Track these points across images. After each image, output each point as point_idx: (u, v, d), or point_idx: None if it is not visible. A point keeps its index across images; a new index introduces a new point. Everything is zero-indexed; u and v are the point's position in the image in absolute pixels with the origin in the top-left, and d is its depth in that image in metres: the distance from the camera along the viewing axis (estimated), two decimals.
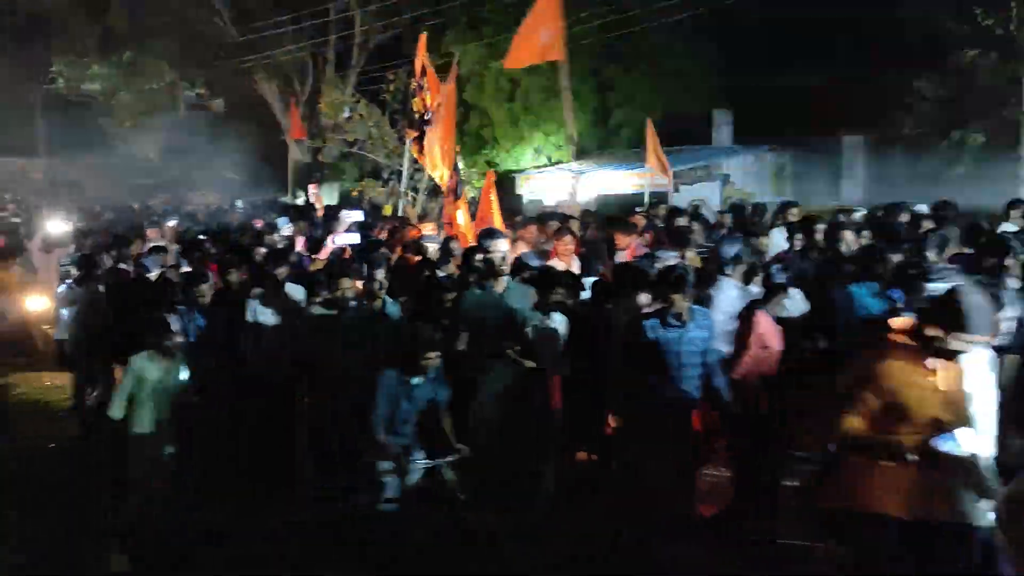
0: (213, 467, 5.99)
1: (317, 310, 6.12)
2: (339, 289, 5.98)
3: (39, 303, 9.60)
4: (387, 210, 15.88)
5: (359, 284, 6.10)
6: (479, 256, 6.38)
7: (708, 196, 16.85)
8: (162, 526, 5.40)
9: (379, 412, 4.99)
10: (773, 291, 5.61)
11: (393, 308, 6.05)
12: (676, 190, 16.46)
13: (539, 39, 9.90)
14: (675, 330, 5.04)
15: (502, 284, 5.86)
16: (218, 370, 6.11)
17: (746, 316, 5.57)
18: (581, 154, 19.68)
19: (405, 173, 10.82)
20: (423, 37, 9.70)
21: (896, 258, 5.80)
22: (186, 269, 7.75)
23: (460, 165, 9.50)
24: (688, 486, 5.28)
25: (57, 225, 12.53)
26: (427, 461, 5.12)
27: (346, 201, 17.80)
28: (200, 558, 5.31)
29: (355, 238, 7.98)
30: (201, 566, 5.27)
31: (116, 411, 5.25)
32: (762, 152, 18.94)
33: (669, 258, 6.39)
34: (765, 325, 5.47)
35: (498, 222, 8.93)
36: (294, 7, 22.24)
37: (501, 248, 5.98)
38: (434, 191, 19.87)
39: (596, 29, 18.71)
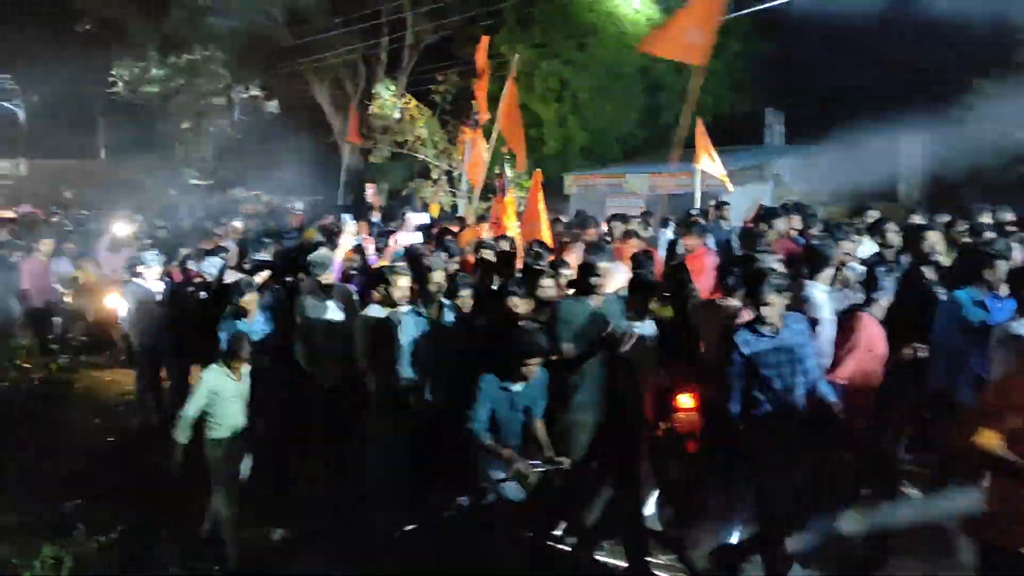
0: (286, 475, 6.06)
1: (376, 312, 5.99)
2: (398, 290, 5.88)
3: (112, 302, 9.73)
4: (434, 210, 15.99)
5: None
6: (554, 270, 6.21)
7: (759, 197, 16.67)
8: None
9: (480, 418, 4.79)
10: (877, 293, 5.29)
11: (449, 313, 5.90)
12: (728, 190, 16.33)
13: (685, 37, 9.34)
14: (767, 339, 4.74)
15: (600, 298, 5.61)
16: (272, 373, 6.14)
17: (850, 319, 5.30)
18: (630, 154, 19.63)
19: (464, 175, 10.73)
20: (485, 40, 9.60)
21: (1003, 265, 5.25)
22: (235, 277, 7.82)
23: (507, 165, 9.47)
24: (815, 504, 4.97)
25: (123, 226, 12.77)
26: (544, 467, 4.82)
27: (404, 201, 17.92)
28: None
29: (418, 237, 7.85)
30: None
31: (188, 417, 5.34)
32: (814, 152, 18.63)
33: (767, 261, 5.92)
34: (872, 328, 5.23)
35: (544, 223, 8.93)
36: (347, 10, 22.52)
37: (607, 268, 5.63)
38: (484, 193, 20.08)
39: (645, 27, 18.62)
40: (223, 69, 23.43)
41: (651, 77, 19.29)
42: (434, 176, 20.52)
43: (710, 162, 12.18)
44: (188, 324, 7.27)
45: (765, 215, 8.48)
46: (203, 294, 7.47)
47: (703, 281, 7.38)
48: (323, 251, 7.22)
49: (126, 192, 29.34)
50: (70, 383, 9.72)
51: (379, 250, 8.37)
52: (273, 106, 24.96)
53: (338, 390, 6.24)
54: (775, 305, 4.66)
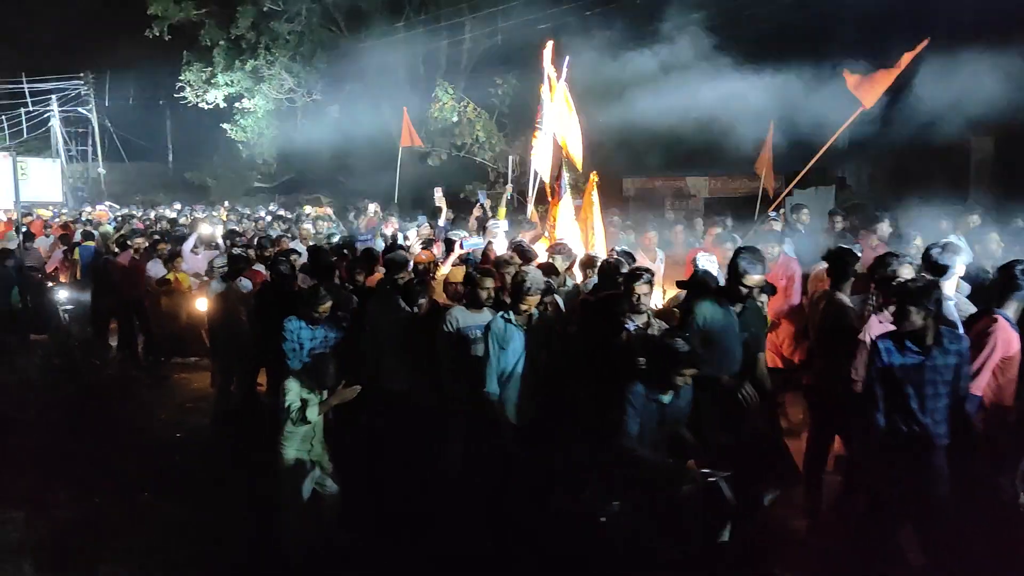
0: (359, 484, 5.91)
1: (462, 315, 5.86)
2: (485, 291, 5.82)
3: (200, 303, 9.94)
4: (501, 214, 16.05)
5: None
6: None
7: (823, 200, 16.38)
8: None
9: (632, 431, 4.64)
10: (1012, 291, 4.84)
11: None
12: (790, 193, 16.07)
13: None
14: (915, 355, 4.37)
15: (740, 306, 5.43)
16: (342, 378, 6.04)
17: (983, 322, 4.82)
18: (689, 157, 19.43)
19: (532, 179, 10.52)
20: (550, 43, 9.64)
21: None
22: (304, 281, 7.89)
23: (563, 167, 9.47)
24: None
25: (207, 227, 13.05)
26: (716, 475, 4.60)
27: (465, 204, 18.04)
28: None
29: (479, 243, 7.73)
30: None
31: (311, 415, 5.19)
32: (880, 154, 18.22)
33: (903, 266, 5.51)
34: (1008, 330, 4.75)
35: (599, 225, 8.93)
36: (407, 15, 22.80)
37: (757, 278, 5.40)
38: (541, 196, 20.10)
39: (707, 27, 18.41)
40: (287, 74, 23.91)
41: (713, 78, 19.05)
42: (491, 178, 20.67)
43: (767, 167, 12.17)
44: (260, 325, 7.36)
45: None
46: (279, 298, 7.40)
47: (791, 289, 7.27)
48: (400, 252, 7.21)
49: (193, 195, 30.29)
50: (155, 382, 10.06)
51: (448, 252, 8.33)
52: (334, 110, 25.33)
53: (407, 395, 6.15)
54: (930, 329, 4.33)
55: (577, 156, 10.30)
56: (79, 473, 6.71)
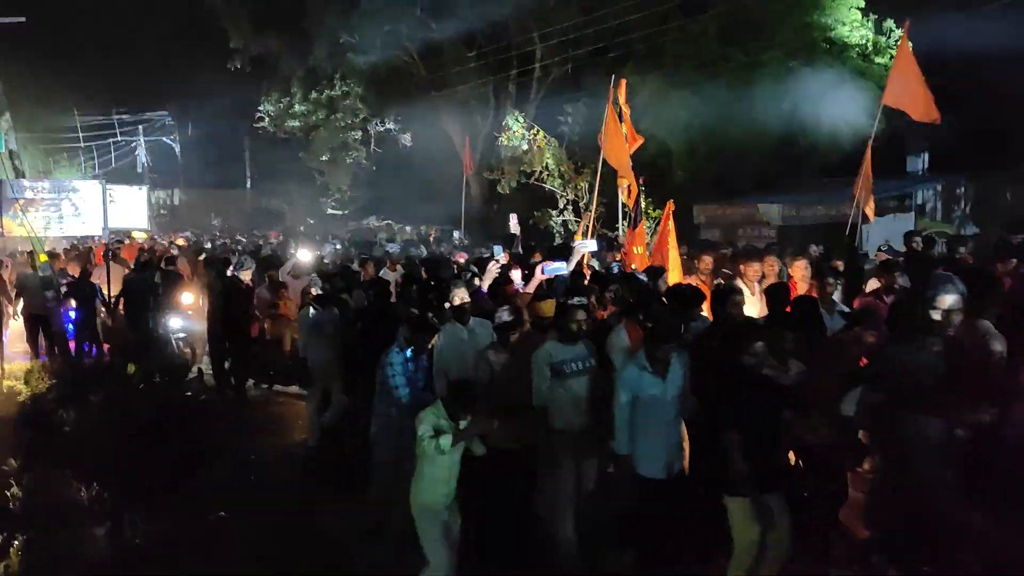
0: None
1: (555, 349, 5.54)
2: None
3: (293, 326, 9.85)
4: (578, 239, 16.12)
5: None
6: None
7: (901, 227, 15.94)
8: None
9: None
10: None
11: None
12: (865, 221, 15.70)
13: (914, 94, 10.04)
14: None
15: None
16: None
17: None
18: (762, 184, 19.17)
19: (621, 205, 10.32)
20: (623, 82, 9.61)
21: None
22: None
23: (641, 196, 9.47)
24: None
25: (305, 252, 13.11)
26: None
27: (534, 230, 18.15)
28: None
29: (562, 267, 7.22)
30: None
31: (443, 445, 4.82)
32: (958, 182, 17.68)
33: None
34: None
35: (674, 253, 8.88)
36: (478, 45, 23.19)
37: (951, 299, 5.04)
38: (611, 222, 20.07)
39: (783, 54, 18.26)
40: (361, 104, 24.53)
41: (784, 106, 18.84)
42: (560, 205, 20.73)
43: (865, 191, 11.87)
44: (356, 351, 7.28)
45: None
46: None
47: None
48: (484, 284, 7.20)
49: (269, 220, 31.24)
50: (250, 406, 10.12)
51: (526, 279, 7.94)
52: (406, 138, 25.90)
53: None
54: None
55: (628, 181, 10.43)
56: (158, 492, 6.86)
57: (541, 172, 21.24)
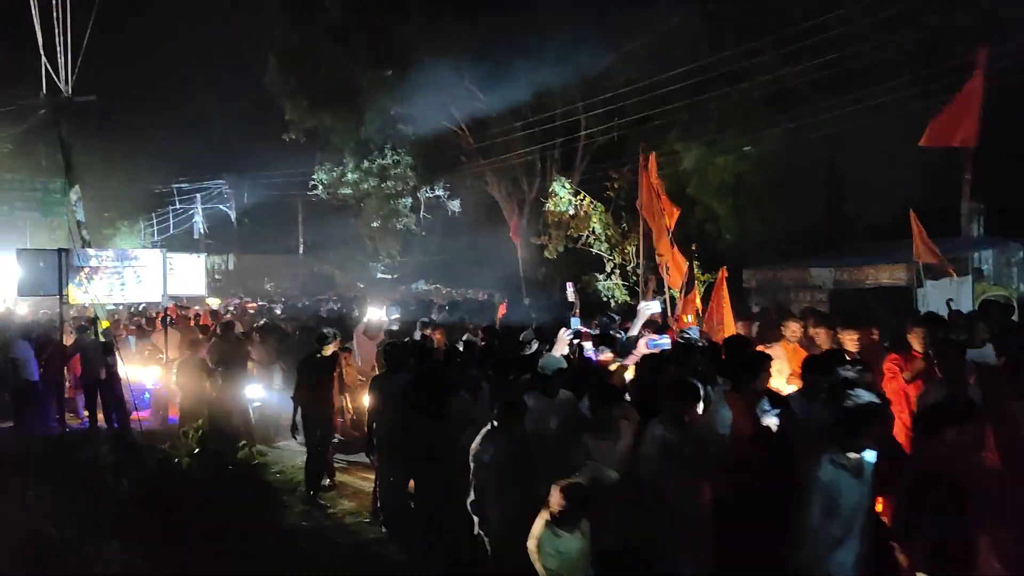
0: None
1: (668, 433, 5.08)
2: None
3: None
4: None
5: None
6: None
7: (958, 293, 15.61)
8: None
9: None
10: None
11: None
12: (921, 284, 15.41)
13: (958, 123, 10.68)
14: None
15: None
16: None
17: None
18: (812, 247, 19.01)
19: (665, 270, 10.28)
20: (652, 156, 9.74)
21: None
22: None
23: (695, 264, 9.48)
24: None
25: (377, 313, 13.25)
26: None
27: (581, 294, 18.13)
28: None
29: (666, 341, 6.70)
30: None
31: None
32: (1015, 245, 17.31)
33: None
34: None
35: (728, 318, 8.86)
36: (524, 114, 23.67)
37: None
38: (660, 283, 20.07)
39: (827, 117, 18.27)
40: (410, 172, 25.13)
41: (834, 169, 18.79)
42: (607, 269, 20.78)
43: (929, 252, 11.76)
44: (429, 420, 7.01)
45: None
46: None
47: None
48: (555, 353, 6.83)
49: (320, 284, 31.85)
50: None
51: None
52: (455, 205, 26.38)
53: None
54: None
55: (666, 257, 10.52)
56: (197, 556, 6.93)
57: (588, 236, 21.40)
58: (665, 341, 6.01)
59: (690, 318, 9.07)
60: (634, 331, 7.19)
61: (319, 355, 9.40)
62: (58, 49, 10.74)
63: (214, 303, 19.26)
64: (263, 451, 10.96)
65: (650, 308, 7.75)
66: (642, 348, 6.13)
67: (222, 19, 38.53)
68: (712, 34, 20.38)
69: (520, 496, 5.16)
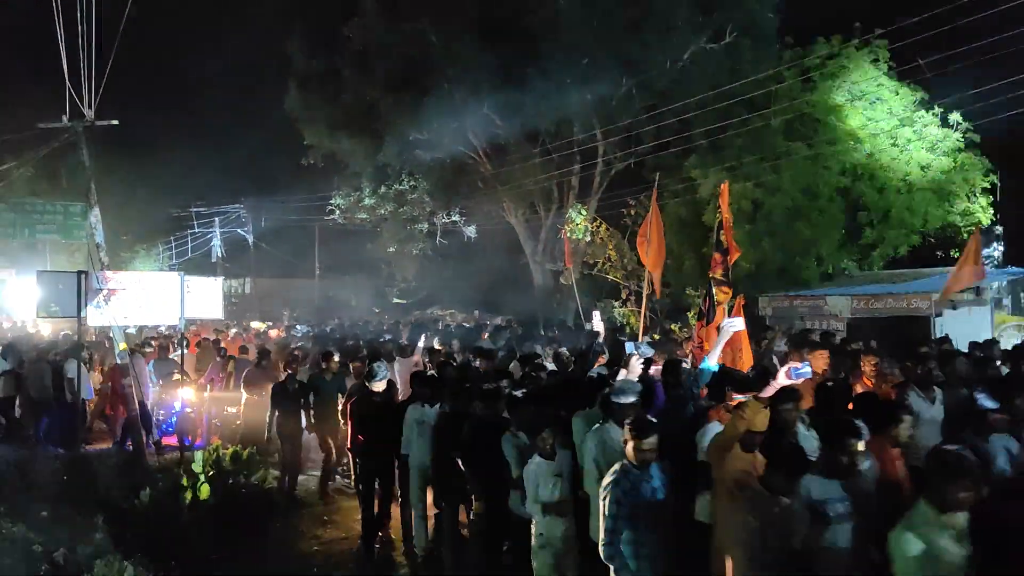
0: None
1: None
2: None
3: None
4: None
5: None
6: None
7: (978, 321, 15.46)
8: None
9: None
10: None
11: None
12: (939, 314, 15.27)
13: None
14: None
15: None
16: None
17: None
18: (829, 275, 18.92)
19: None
20: (725, 186, 9.48)
21: None
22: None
23: (713, 288, 9.38)
24: None
25: (416, 338, 12.97)
26: None
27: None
28: None
29: (808, 370, 5.59)
30: None
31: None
32: None
33: None
34: None
35: (746, 348, 8.76)
36: (542, 141, 23.79)
37: None
38: (673, 311, 20.01)
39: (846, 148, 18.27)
40: (427, 197, 25.28)
41: (851, 197, 18.72)
42: (623, 296, 20.76)
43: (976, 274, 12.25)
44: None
45: None
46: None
47: None
48: (627, 377, 6.60)
49: (336, 308, 31.95)
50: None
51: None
52: (471, 230, 26.46)
53: None
54: None
55: (656, 280, 10.58)
56: None
57: (604, 263, 21.40)
58: (807, 370, 5.25)
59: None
60: (716, 352, 6.63)
61: (371, 393, 8.15)
62: (82, 74, 10.90)
63: (259, 326, 19.24)
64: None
65: (733, 326, 7.07)
66: (782, 379, 5.24)
67: (243, 45, 39.17)
68: (730, 61, 20.50)
69: (661, 535, 4.90)
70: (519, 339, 15.04)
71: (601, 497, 4.85)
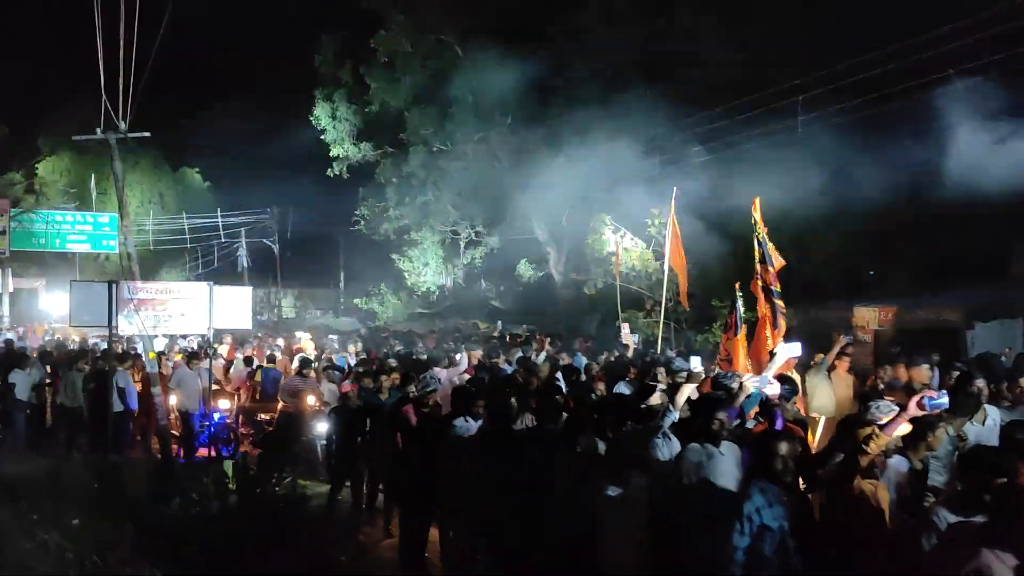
0: None
1: None
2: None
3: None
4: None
5: None
6: None
7: (1008, 333, 15.26)
8: None
9: None
10: None
11: None
12: (971, 327, 15.11)
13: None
14: None
15: None
16: None
17: None
18: (856, 287, 18.77)
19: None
20: (756, 201, 9.38)
21: None
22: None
23: (739, 302, 9.34)
24: None
25: (477, 351, 12.85)
26: None
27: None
28: None
29: (944, 400, 5.20)
30: None
31: None
32: None
33: None
34: None
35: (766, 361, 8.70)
36: (566, 152, 23.80)
37: None
38: (696, 322, 19.90)
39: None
40: (452, 208, 25.40)
41: (878, 212, 18.56)
42: (648, 306, 20.66)
43: None
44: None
45: None
46: None
47: None
48: (679, 400, 6.16)
49: (360, 318, 32.10)
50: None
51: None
52: (495, 241, 26.53)
53: None
54: None
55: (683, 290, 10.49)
56: None
57: (628, 273, 21.32)
58: (944, 400, 4.89)
59: (734, 360, 8.86)
60: (769, 375, 6.36)
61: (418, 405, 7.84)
62: (120, 87, 11.09)
63: (304, 336, 19.16)
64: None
65: (791, 351, 6.80)
66: (913, 409, 4.83)
67: (270, 55, 39.62)
68: (753, 71, 20.44)
69: None
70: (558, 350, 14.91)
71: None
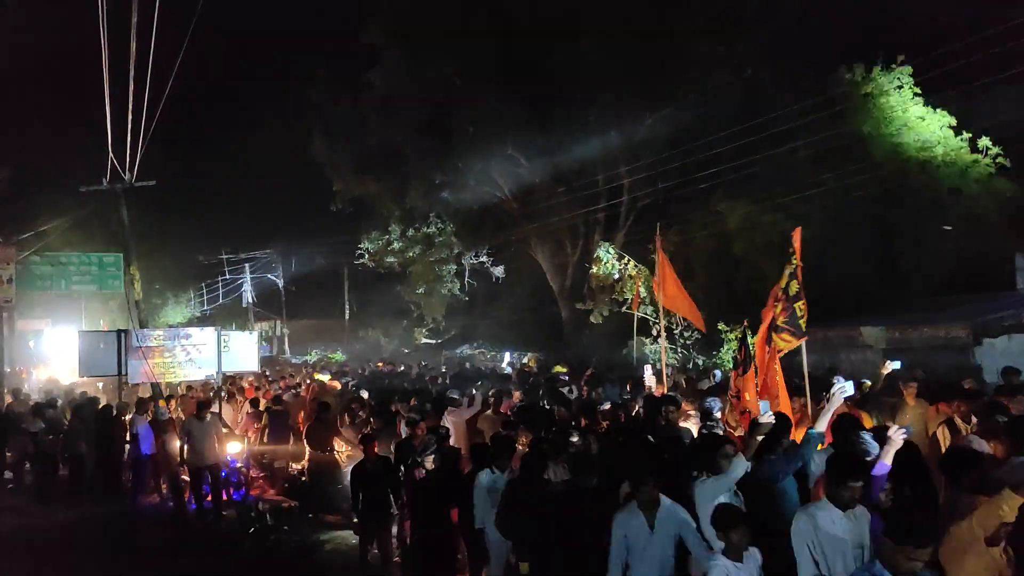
0: None
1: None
2: None
3: None
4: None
5: None
6: None
7: (1017, 349, 15.18)
8: None
9: None
10: None
11: None
12: (978, 343, 15.01)
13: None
14: None
15: None
16: None
17: None
18: (863, 306, 18.70)
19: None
20: (797, 232, 9.21)
21: None
22: None
23: (748, 336, 9.26)
24: None
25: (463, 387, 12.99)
26: None
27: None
28: None
29: None
30: None
31: None
32: None
33: None
34: None
35: (783, 389, 8.58)
36: (567, 178, 23.91)
37: None
38: (703, 346, 19.84)
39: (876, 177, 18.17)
40: (455, 239, 25.47)
41: (885, 225, 18.56)
42: (653, 333, 20.61)
43: None
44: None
45: None
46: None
47: None
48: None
49: (365, 349, 32.13)
50: None
51: None
52: (499, 270, 26.58)
53: None
54: None
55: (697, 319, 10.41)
56: None
57: (633, 299, 21.29)
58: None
59: (748, 395, 8.76)
60: (826, 418, 6.18)
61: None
62: (128, 139, 11.20)
63: (325, 378, 18.89)
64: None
65: (844, 391, 6.61)
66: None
67: (270, 92, 39.89)
68: (756, 93, 20.53)
69: None
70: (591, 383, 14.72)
71: None
